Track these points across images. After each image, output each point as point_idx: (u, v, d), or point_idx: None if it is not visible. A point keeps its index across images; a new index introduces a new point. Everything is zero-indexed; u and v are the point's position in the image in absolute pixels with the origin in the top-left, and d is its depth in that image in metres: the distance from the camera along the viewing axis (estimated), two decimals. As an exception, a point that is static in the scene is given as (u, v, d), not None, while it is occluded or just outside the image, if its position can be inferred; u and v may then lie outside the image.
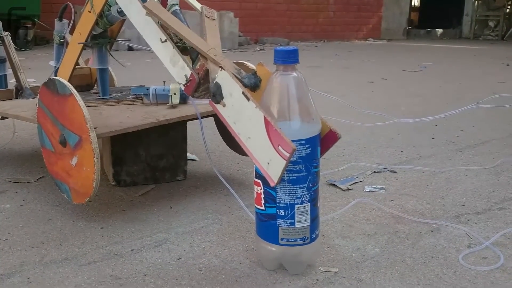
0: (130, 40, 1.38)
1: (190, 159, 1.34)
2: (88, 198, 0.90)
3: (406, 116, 1.96)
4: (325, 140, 0.76)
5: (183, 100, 1.14)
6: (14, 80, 1.30)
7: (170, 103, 1.12)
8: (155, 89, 1.15)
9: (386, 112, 2.04)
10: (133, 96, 1.19)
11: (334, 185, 1.16)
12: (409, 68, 3.86)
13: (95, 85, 1.34)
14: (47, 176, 1.18)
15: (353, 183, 1.17)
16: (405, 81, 3.13)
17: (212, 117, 1.17)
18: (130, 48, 5.03)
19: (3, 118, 1.31)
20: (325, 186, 1.15)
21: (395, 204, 1.05)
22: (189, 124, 1.15)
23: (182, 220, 0.96)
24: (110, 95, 1.21)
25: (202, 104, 1.08)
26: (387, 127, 1.70)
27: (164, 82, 1.22)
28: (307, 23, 7.97)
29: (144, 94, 1.17)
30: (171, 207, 1.02)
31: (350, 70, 3.83)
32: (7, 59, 1.30)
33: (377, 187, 1.15)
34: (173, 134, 1.14)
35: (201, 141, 1.41)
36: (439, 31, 9.66)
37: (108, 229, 0.92)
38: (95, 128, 0.88)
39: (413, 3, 11.09)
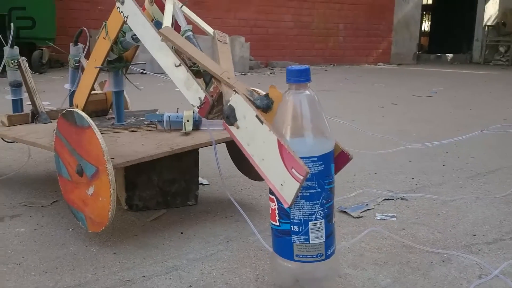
0: (145, 63, 1.41)
1: (201, 184, 1.35)
2: (103, 228, 0.91)
3: (417, 142, 1.96)
4: (337, 161, 0.77)
5: (196, 127, 1.16)
6: (30, 103, 1.33)
7: (183, 130, 1.14)
8: (169, 116, 1.17)
9: (397, 138, 2.04)
10: (147, 123, 1.21)
11: (345, 212, 1.16)
12: (420, 93, 3.87)
13: (110, 110, 1.37)
14: (61, 200, 1.19)
15: (364, 211, 1.17)
16: (415, 107, 3.14)
17: (224, 143, 1.18)
18: (143, 72, 5.09)
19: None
20: (336, 213, 1.15)
21: (406, 233, 1.05)
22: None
23: (193, 246, 0.97)
24: (125, 121, 1.23)
25: (215, 131, 1.10)
26: (398, 153, 1.70)
27: (178, 108, 1.24)
28: (317, 48, 8.03)
29: (158, 121, 1.19)
30: (182, 233, 1.03)
31: (360, 94, 3.84)
32: (23, 83, 1.33)
33: (388, 215, 1.15)
34: (185, 159, 1.15)
35: (211, 165, 1.42)
36: (449, 56, 9.68)
37: (120, 254, 0.93)
38: (111, 159, 0.90)
39: (423, 28, 11.14)
